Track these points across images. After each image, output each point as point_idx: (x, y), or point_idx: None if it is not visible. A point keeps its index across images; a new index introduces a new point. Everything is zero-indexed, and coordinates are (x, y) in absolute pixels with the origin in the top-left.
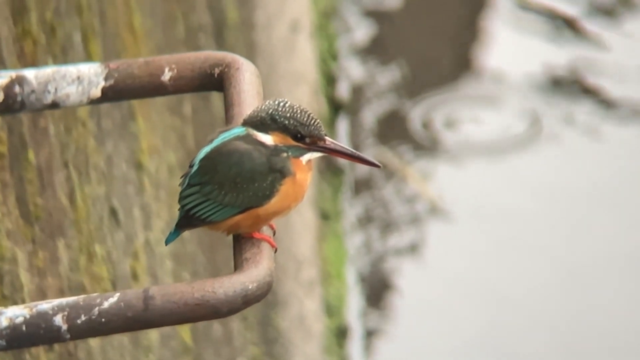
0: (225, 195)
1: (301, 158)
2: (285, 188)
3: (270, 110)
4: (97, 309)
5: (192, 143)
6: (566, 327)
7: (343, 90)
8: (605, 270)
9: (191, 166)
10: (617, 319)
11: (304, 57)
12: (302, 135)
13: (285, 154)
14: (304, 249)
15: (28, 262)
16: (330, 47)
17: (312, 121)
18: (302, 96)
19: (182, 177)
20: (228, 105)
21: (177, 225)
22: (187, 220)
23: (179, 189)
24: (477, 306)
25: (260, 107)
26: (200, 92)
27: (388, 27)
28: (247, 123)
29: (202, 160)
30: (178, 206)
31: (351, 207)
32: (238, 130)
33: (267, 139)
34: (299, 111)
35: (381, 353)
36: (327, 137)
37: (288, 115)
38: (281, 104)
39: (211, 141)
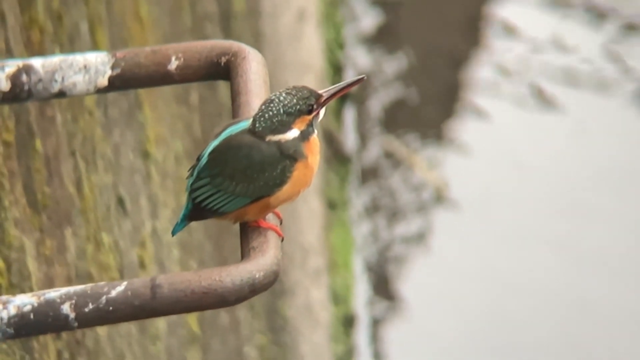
0: (236, 186)
1: (318, 122)
2: (297, 173)
3: (280, 109)
4: (104, 297)
5: (199, 132)
6: (571, 315)
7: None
8: (611, 259)
9: (199, 159)
10: (621, 308)
11: (310, 46)
12: (312, 105)
13: (308, 136)
14: (310, 238)
15: (36, 250)
16: (336, 36)
17: (306, 90)
18: (309, 85)
19: (189, 169)
20: (235, 94)
21: (188, 217)
22: (198, 212)
23: (186, 178)
24: (483, 294)
25: (265, 114)
26: (207, 81)
27: (395, 15)
28: (264, 132)
29: (210, 153)
30: (185, 195)
31: (358, 196)
32: (245, 124)
33: (294, 132)
34: (295, 92)
35: (388, 341)
36: (319, 91)
37: (294, 101)
38: (280, 97)
39: (218, 135)
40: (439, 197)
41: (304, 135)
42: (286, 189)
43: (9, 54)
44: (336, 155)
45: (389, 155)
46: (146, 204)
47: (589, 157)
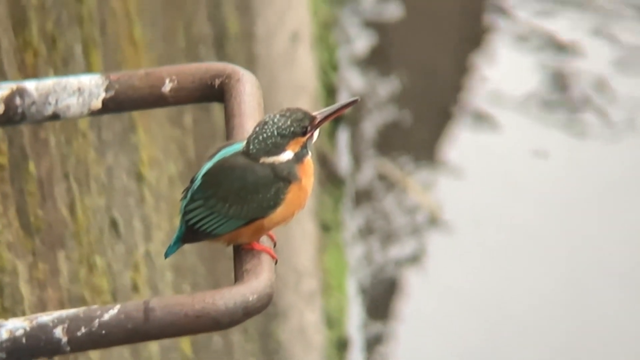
0: (229, 208)
1: (312, 147)
2: (290, 196)
3: (274, 131)
4: (97, 321)
5: (193, 154)
6: (566, 339)
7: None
8: (606, 282)
9: (192, 181)
10: (618, 332)
11: (304, 68)
12: (306, 127)
13: (302, 158)
14: (304, 260)
15: (28, 274)
16: (330, 58)
17: (300, 112)
18: (303, 107)
19: (183, 191)
20: (229, 117)
21: (181, 239)
22: (191, 235)
23: (180, 200)
24: (477, 317)
25: (259, 136)
26: (200, 104)
27: (388, 37)
28: (258, 154)
29: (204, 175)
30: (179, 218)
31: (352, 218)
32: (239, 146)
33: (288, 154)
34: (289, 114)
35: None
36: (313, 113)
37: (288, 123)
38: (274, 119)
39: (212, 157)
40: (433, 220)
41: (298, 157)
42: (280, 211)
43: (3, 76)
44: (330, 178)
45: (382, 177)
46: (139, 226)
47: (582, 178)
